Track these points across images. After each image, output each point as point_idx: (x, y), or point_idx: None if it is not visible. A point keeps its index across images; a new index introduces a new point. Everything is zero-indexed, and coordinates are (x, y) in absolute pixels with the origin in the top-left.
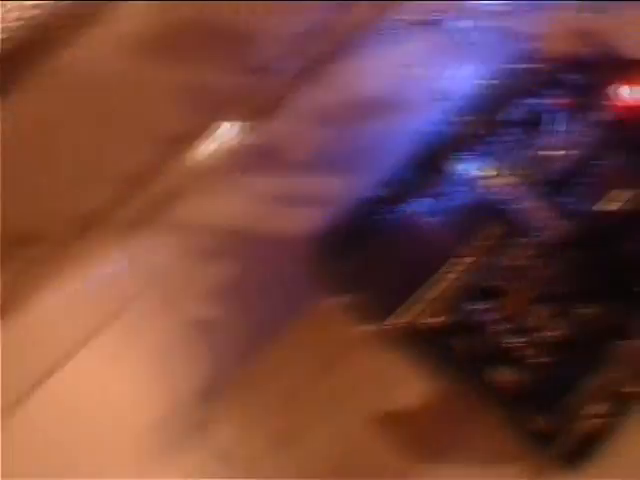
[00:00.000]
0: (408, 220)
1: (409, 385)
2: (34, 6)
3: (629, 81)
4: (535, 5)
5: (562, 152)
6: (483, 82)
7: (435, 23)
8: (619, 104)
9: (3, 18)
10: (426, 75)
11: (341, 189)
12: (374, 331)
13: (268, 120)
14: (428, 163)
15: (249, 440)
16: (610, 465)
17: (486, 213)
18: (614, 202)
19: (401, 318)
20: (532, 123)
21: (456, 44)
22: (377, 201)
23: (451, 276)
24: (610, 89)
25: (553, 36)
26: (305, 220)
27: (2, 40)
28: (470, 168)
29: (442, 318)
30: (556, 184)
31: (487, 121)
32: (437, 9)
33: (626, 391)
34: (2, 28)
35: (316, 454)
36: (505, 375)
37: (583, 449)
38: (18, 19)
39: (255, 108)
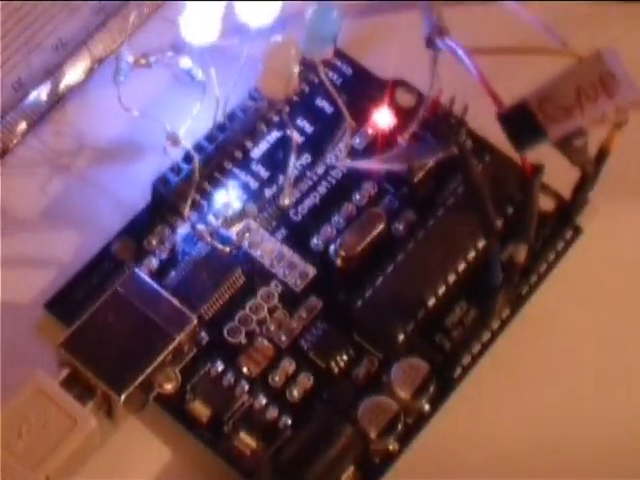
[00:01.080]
0: (141, 282)
1: (151, 456)
2: None
3: (384, 103)
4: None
5: (308, 188)
6: (215, 122)
7: (158, 63)
8: (380, 129)
9: None
10: (159, 117)
11: (74, 245)
12: (105, 405)
13: None
14: (164, 213)
15: None
16: None
17: (224, 264)
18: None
19: (131, 388)
20: (273, 160)
21: (183, 83)
22: (107, 259)
23: (183, 337)
24: (367, 114)
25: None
26: (34, 284)
27: None
28: (206, 215)
29: (173, 384)
30: (300, 226)
31: (224, 161)
32: (157, 49)
33: (372, 449)
34: None
35: None
36: (245, 441)
37: None
38: None
39: None
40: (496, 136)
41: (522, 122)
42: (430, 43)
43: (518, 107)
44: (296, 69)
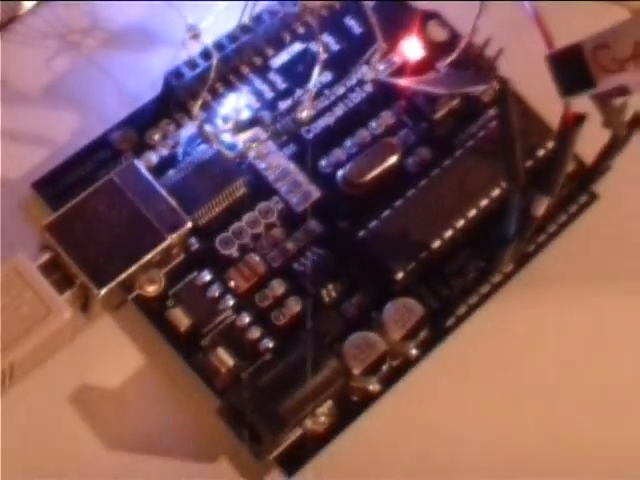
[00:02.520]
0: (139, 176)
1: (123, 359)
2: None
3: (413, 33)
4: None
5: (324, 107)
6: (241, 22)
7: None
8: (404, 57)
9: None
10: (180, 8)
11: (72, 128)
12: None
13: None
14: (171, 109)
15: None
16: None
17: (226, 170)
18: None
19: (112, 284)
20: (292, 73)
21: None
22: (105, 147)
23: (175, 239)
24: (394, 42)
25: None
26: (25, 161)
27: None
28: (215, 118)
29: (155, 287)
30: (311, 143)
31: (241, 66)
32: None
33: (353, 386)
34: None
35: None
36: (222, 357)
37: (299, 452)
38: None
39: None
40: (523, 87)
41: (573, 67)
42: None
43: (571, 50)
44: None
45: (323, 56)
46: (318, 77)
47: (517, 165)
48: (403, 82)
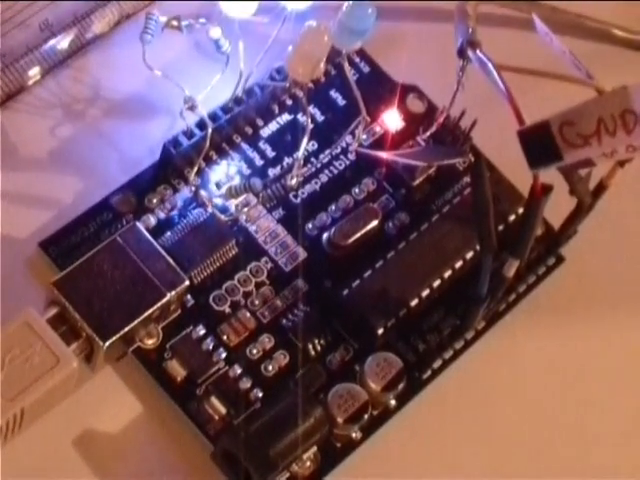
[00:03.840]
0: (141, 237)
1: (123, 407)
2: None
3: (393, 105)
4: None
5: (310, 174)
6: (234, 95)
7: (188, 28)
8: (385, 128)
9: None
10: (178, 81)
11: (76, 192)
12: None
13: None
14: (168, 174)
15: None
16: None
17: (219, 232)
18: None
19: (115, 337)
20: (280, 142)
21: (205, 52)
22: (107, 210)
23: (173, 296)
24: (375, 113)
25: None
26: (31, 222)
27: None
28: (209, 183)
29: (153, 340)
30: (299, 208)
31: (234, 135)
32: (190, 13)
33: (337, 434)
34: None
35: None
36: (215, 406)
37: None
38: None
39: None
40: (495, 155)
41: (541, 142)
42: (462, 53)
43: (539, 127)
44: (325, 56)
45: (310, 127)
46: (306, 146)
47: (489, 232)
48: (382, 154)
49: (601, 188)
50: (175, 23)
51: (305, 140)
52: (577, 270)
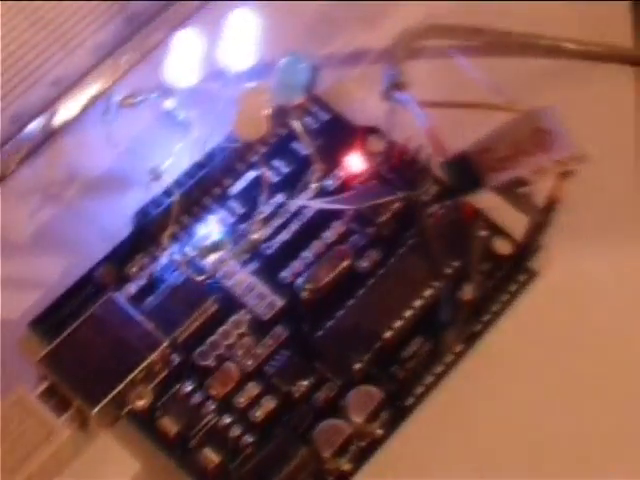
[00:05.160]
0: (117, 307)
1: (122, 468)
2: None
3: (355, 148)
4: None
5: (280, 225)
6: (197, 161)
7: (144, 103)
8: (351, 172)
9: None
10: (146, 153)
11: (60, 270)
12: (79, 418)
13: None
14: (144, 243)
15: None
16: None
17: (198, 292)
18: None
19: (103, 403)
20: (250, 197)
21: (168, 123)
22: (90, 283)
23: (154, 357)
24: (340, 158)
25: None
26: (21, 303)
27: None
28: (184, 246)
29: (145, 401)
30: (271, 260)
31: (203, 197)
32: (147, 90)
33: (327, 468)
34: None
35: None
36: (210, 456)
37: None
38: None
39: None
40: None
41: (463, 170)
42: (386, 95)
43: (459, 157)
44: (266, 114)
45: (273, 179)
46: (272, 199)
47: (435, 260)
48: (321, 204)
49: (552, 202)
50: (130, 101)
51: (264, 195)
52: (550, 284)
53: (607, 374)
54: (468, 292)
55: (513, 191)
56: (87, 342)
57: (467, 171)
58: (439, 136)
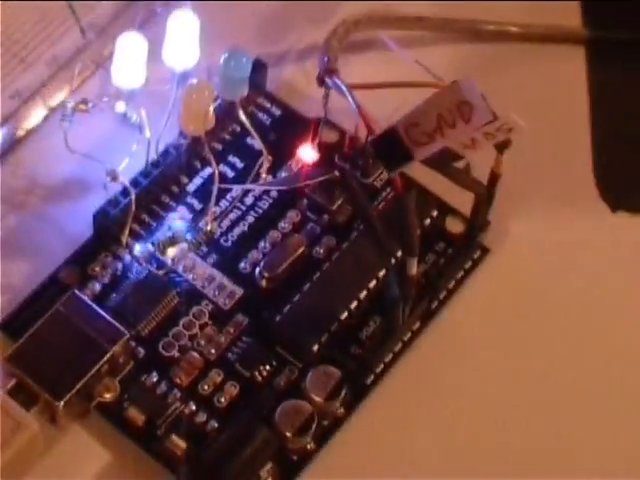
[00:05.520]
0: (80, 303)
1: (92, 458)
2: None
3: (307, 140)
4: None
5: (237, 217)
6: (151, 160)
7: (98, 107)
8: (302, 164)
9: None
10: (103, 156)
11: (26, 274)
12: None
13: None
14: (105, 242)
15: None
16: None
17: (160, 286)
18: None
19: (68, 395)
20: (207, 193)
21: (122, 126)
22: (55, 284)
23: (117, 350)
24: (294, 150)
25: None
26: None
27: None
28: (144, 243)
29: (112, 393)
30: (230, 252)
31: (162, 195)
32: (99, 95)
33: (290, 447)
34: None
35: None
36: (176, 442)
37: None
38: None
39: None
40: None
41: (391, 146)
42: (320, 81)
43: (387, 133)
44: (211, 109)
45: (229, 175)
46: (228, 193)
47: (377, 235)
48: (257, 186)
49: (494, 177)
50: (83, 107)
51: (215, 189)
52: (505, 259)
53: (562, 346)
54: (412, 267)
55: (450, 166)
56: (52, 339)
57: (395, 146)
58: (369, 116)
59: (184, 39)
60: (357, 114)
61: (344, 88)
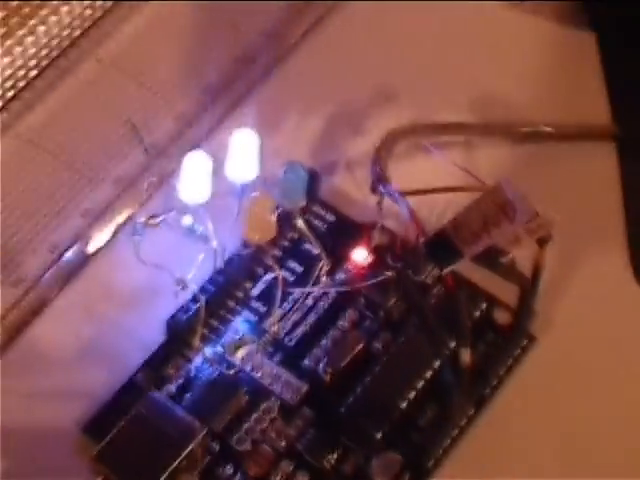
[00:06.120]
0: (158, 403)
1: None
2: None
3: (361, 244)
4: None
5: (299, 318)
6: (218, 268)
7: (166, 221)
8: (358, 266)
9: None
10: (172, 266)
11: (105, 380)
12: None
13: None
14: (178, 346)
15: None
16: None
17: (230, 385)
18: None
19: None
20: (270, 296)
21: (187, 238)
22: (132, 388)
23: (194, 445)
24: (349, 253)
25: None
26: (69, 413)
27: None
28: (214, 345)
29: None
30: (293, 350)
31: (227, 300)
32: (165, 209)
33: None
34: None
35: None
36: None
37: None
38: None
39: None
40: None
41: (442, 246)
42: (373, 189)
43: (438, 234)
44: (273, 219)
45: (289, 279)
46: (290, 295)
47: (431, 330)
48: (319, 289)
49: (536, 269)
50: (152, 221)
51: (279, 294)
52: (550, 348)
53: (611, 430)
54: (465, 356)
55: (497, 262)
56: (134, 437)
57: (446, 246)
58: (419, 220)
59: (245, 155)
60: (409, 218)
61: (397, 195)
